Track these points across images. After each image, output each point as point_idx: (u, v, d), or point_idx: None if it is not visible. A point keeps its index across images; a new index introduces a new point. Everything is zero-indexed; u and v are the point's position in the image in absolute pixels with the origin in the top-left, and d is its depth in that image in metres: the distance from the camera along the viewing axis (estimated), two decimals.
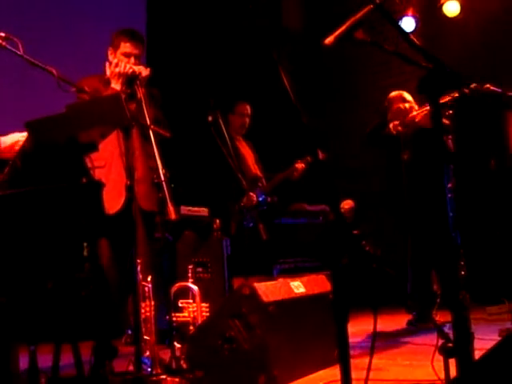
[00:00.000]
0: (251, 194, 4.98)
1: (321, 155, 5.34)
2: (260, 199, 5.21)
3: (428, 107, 4.69)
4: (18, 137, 2.98)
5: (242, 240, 4.82)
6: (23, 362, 2.97)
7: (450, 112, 4.51)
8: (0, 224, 2.53)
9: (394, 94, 5.15)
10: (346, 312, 1.79)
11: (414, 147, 4.83)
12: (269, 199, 5.50)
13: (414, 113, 4.90)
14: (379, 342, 3.91)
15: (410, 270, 4.79)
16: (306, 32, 7.51)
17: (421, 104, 4.91)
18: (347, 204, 5.03)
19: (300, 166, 5.69)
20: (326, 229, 5.32)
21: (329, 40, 2.62)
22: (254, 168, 5.72)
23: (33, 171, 2.74)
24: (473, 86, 3.92)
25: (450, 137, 4.59)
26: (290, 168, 5.68)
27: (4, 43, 2.87)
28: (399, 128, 4.83)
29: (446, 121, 4.67)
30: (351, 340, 2.15)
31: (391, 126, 4.89)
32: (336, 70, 7.30)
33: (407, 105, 4.98)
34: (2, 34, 2.87)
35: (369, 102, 6.99)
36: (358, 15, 2.61)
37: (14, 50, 2.89)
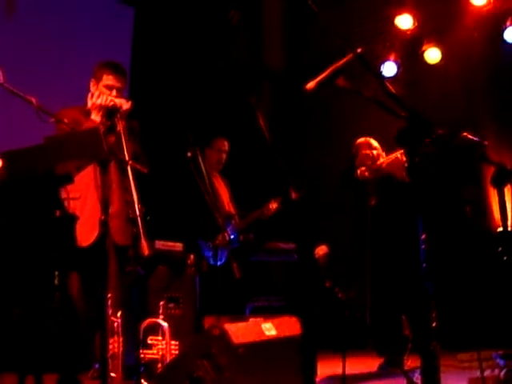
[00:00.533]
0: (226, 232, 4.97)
1: (293, 195, 5.38)
2: (232, 237, 5.20)
3: (395, 154, 4.78)
4: None
5: (215, 278, 4.79)
6: None
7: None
8: None
9: (360, 140, 5.22)
10: (314, 361, 1.78)
11: (380, 193, 4.89)
12: (241, 237, 5.49)
13: (381, 159, 4.97)
14: None
15: (370, 317, 4.78)
16: (286, 70, 7.59)
17: (388, 151, 4.99)
18: (321, 250, 5.03)
19: (273, 205, 5.68)
20: (296, 271, 5.32)
21: (310, 85, 2.66)
22: (228, 205, 5.72)
23: (7, 201, 2.71)
24: (460, 137, 4.01)
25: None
26: (263, 207, 5.66)
27: None
28: (366, 174, 4.90)
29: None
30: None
31: (358, 171, 4.97)
32: (315, 110, 7.36)
33: (374, 152, 5.04)
34: None
35: (347, 143, 7.06)
36: (340, 63, 2.66)
37: None
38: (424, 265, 2.16)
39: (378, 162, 4.92)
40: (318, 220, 6.38)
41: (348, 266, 6.08)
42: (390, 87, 2.44)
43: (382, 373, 4.72)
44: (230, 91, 6.68)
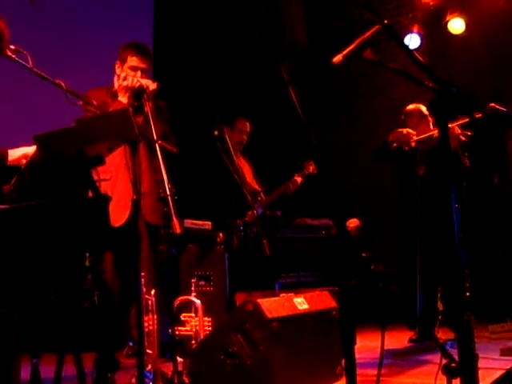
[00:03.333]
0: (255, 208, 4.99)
1: (314, 168, 5.35)
2: (259, 213, 5.22)
3: (450, 124, 4.69)
4: (27, 150, 2.99)
5: (245, 254, 4.83)
6: (25, 374, 2.97)
7: (469, 133, 4.55)
8: (6, 236, 2.54)
9: (410, 107, 5.10)
10: (353, 332, 1.80)
11: (429, 163, 4.83)
12: (267, 212, 5.51)
13: (431, 127, 4.89)
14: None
15: (420, 288, 4.75)
16: (309, 46, 7.54)
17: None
18: (353, 222, 5.03)
19: (298, 179, 5.69)
20: (330, 244, 5.32)
21: (337, 59, 2.65)
22: (253, 182, 5.74)
23: (40, 184, 2.75)
24: (487, 108, 3.97)
25: (466, 154, 4.62)
26: (288, 182, 5.68)
27: (14, 56, 2.88)
28: (412, 144, 4.82)
29: (463, 138, 4.70)
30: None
31: (409, 140, 4.86)
32: (338, 86, 7.31)
33: (406, 130, 4.93)
34: (13, 47, 2.89)
35: (370, 119, 7.02)
36: (366, 35, 2.64)
37: (23, 63, 2.90)
38: (460, 235, 2.16)
39: (430, 133, 4.81)
40: (350, 194, 6.38)
41: (379, 239, 6.09)
42: (420, 58, 2.42)
43: (413, 346, 4.74)
44: (257, 66, 6.66)
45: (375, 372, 2.65)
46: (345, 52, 2.64)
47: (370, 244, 4.49)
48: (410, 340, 4.82)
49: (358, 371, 1.98)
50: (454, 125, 4.56)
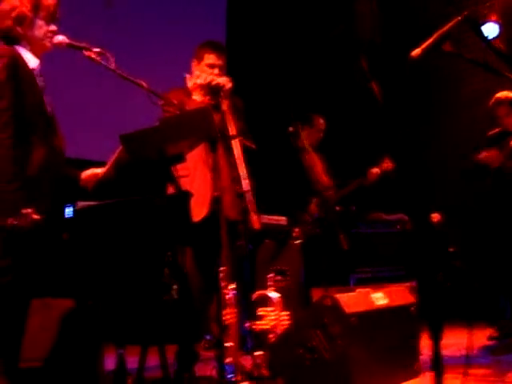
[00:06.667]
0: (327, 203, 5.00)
1: (389, 164, 5.28)
2: (328, 210, 5.22)
3: None
4: (95, 170, 3.07)
5: (318, 250, 4.84)
6: (110, 364, 3.08)
7: None
8: (95, 231, 2.65)
9: (502, 94, 4.81)
10: (441, 327, 1.80)
11: None
12: (339, 208, 5.51)
13: None
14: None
15: (502, 286, 4.60)
16: (381, 43, 7.44)
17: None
18: (435, 217, 4.95)
19: (375, 171, 5.67)
20: (412, 238, 5.25)
21: (416, 53, 2.63)
22: (325, 178, 5.75)
23: (125, 181, 2.85)
24: None
25: None
26: (362, 176, 5.67)
27: (98, 58, 2.98)
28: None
29: None
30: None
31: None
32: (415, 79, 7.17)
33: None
34: (97, 50, 2.98)
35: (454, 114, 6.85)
36: (446, 28, 2.61)
37: (107, 65, 3.00)
38: None
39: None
40: (431, 188, 6.25)
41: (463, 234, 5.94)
42: (503, 49, 2.37)
43: (496, 344, 4.62)
44: (333, 63, 6.65)
45: (461, 369, 2.61)
46: (424, 45, 2.61)
47: (454, 239, 4.41)
48: (490, 338, 4.70)
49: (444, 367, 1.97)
50: None
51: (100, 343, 3.14)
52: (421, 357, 3.47)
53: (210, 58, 3.84)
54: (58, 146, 2.89)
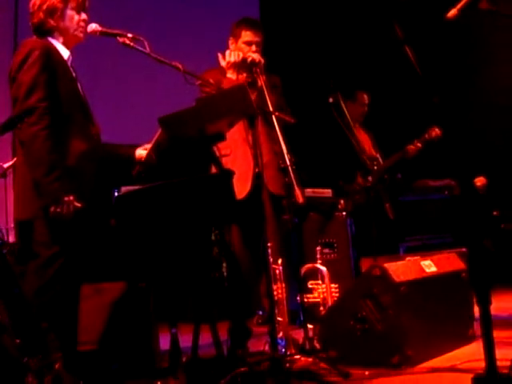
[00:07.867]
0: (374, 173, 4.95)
1: (437, 132, 5.17)
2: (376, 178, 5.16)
3: None
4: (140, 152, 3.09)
5: (367, 220, 4.81)
6: (165, 343, 3.14)
7: None
8: (142, 215, 2.70)
9: None
10: (488, 292, 1.77)
11: None
12: (385, 177, 5.45)
13: None
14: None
15: None
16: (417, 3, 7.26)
17: None
18: (480, 181, 4.85)
19: (417, 144, 5.57)
20: (458, 204, 5.16)
21: (452, 13, 2.56)
22: (371, 149, 5.70)
23: (167, 163, 2.88)
24: None
25: None
26: (406, 147, 5.57)
27: (132, 43, 3.00)
28: None
29: None
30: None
31: None
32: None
33: None
34: (130, 35, 3.00)
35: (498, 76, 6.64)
36: None
37: (141, 49, 3.01)
38: None
39: None
40: (477, 152, 6.12)
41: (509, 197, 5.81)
42: None
43: None
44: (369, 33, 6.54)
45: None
46: (459, 5, 2.54)
47: (498, 202, 4.31)
48: None
49: (494, 332, 1.95)
50: None
51: (154, 323, 3.21)
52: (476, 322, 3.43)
53: (247, 35, 3.82)
54: (95, 134, 2.92)
